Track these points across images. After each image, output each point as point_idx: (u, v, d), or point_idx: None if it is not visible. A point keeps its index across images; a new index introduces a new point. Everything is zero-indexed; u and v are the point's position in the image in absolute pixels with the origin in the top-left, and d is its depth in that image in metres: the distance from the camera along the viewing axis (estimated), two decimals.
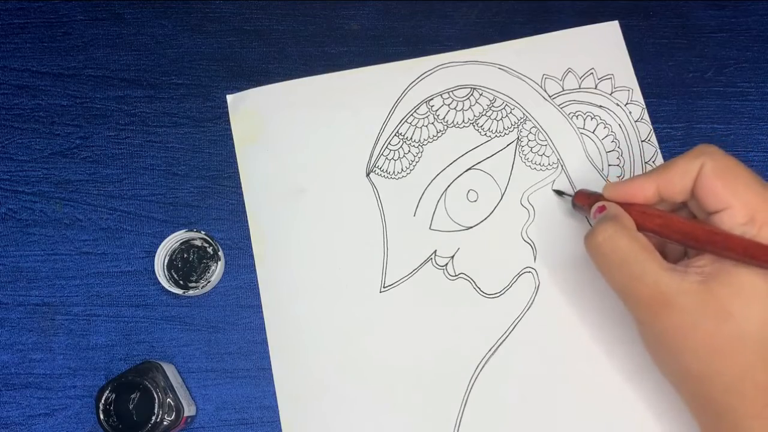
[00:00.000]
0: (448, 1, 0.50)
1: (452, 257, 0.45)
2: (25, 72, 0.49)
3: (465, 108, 0.47)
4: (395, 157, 0.46)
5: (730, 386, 0.32)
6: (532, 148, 0.46)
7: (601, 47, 0.48)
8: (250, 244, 0.45)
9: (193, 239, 0.45)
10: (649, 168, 0.46)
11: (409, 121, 0.47)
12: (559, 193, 0.45)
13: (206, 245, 0.45)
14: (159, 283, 0.44)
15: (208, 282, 0.44)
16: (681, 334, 0.32)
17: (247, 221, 0.46)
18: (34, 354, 0.44)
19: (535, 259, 0.45)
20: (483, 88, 0.47)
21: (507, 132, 0.46)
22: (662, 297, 0.32)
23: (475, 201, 0.45)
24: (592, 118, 0.47)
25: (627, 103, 0.47)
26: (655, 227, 0.35)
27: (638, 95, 0.47)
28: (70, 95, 0.48)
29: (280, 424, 0.43)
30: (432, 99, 0.47)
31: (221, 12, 0.50)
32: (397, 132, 0.47)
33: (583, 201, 0.40)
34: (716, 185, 0.33)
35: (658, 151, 0.46)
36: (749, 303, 0.31)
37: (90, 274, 0.45)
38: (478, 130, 0.47)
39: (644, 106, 0.47)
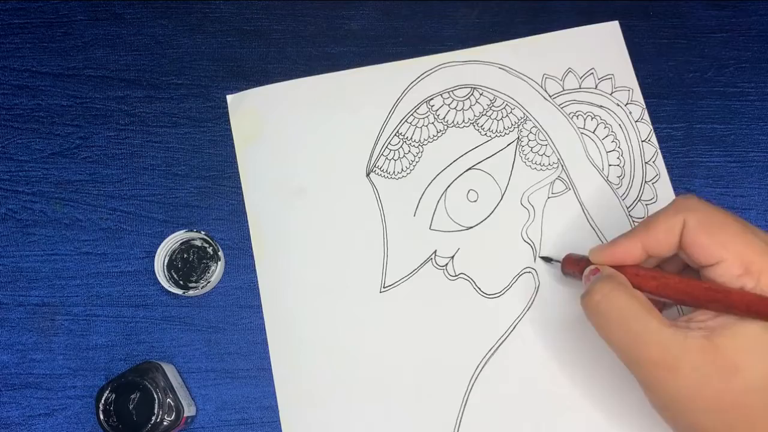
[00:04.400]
0: (448, 1, 0.50)
1: (452, 257, 0.45)
2: (25, 72, 0.49)
3: (465, 108, 0.47)
4: (395, 157, 0.46)
5: None
6: (532, 148, 0.46)
7: (601, 47, 0.48)
8: (250, 244, 0.45)
9: (193, 239, 0.45)
10: (649, 168, 0.46)
11: (410, 120, 0.47)
12: (547, 259, 0.44)
13: (206, 245, 0.45)
14: (159, 284, 0.44)
15: (208, 282, 0.44)
16: (690, 395, 0.31)
17: (247, 221, 0.46)
18: (34, 354, 0.44)
19: (535, 259, 0.45)
20: (483, 88, 0.47)
21: (507, 132, 0.46)
22: (667, 357, 0.31)
23: (475, 201, 0.45)
24: (592, 118, 0.47)
25: (627, 103, 0.47)
26: (652, 289, 0.34)
27: (638, 95, 0.47)
28: (70, 95, 0.48)
29: (280, 424, 0.42)
30: (432, 99, 0.47)
31: (221, 12, 0.50)
32: (398, 132, 0.47)
33: (572, 267, 0.40)
34: (703, 241, 0.32)
35: (658, 151, 0.46)
36: (755, 355, 0.31)
37: (90, 275, 0.45)
38: (478, 129, 0.47)
39: (644, 106, 0.47)
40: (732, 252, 0.32)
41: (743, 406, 0.31)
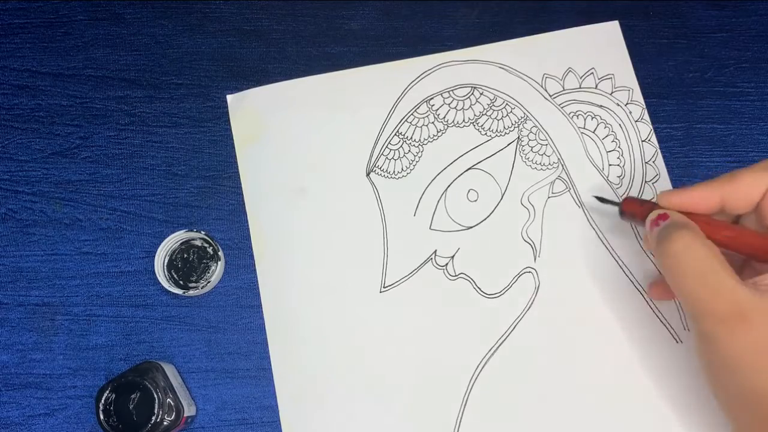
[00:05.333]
0: (448, 1, 0.50)
1: (452, 257, 0.45)
2: (25, 72, 0.49)
3: (465, 107, 0.47)
4: (395, 157, 0.46)
5: None
6: (532, 147, 0.46)
7: (601, 47, 0.48)
8: (250, 244, 0.45)
9: (193, 239, 0.45)
10: (649, 168, 0.46)
11: (410, 120, 0.47)
12: (602, 200, 0.42)
13: (206, 245, 0.45)
14: (159, 283, 0.44)
15: (208, 282, 0.44)
16: (754, 351, 0.31)
17: (247, 221, 0.46)
18: (34, 354, 0.44)
19: (535, 259, 0.44)
20: (483, 88, 0.47)
21: (507, 131, 0.46)
22: (740, 312, 0.31)
23: (476, 201, 0.45)
24: (592, 118, 0.47)
25: (627, 103, 0.47)
26: (724, 240, 0.34)
27: (638, 95, 0.47)
28: (70, 95, 0.48)
29: (280, 424, 0.42)
30: (432, 98, 0.47)
31: (221, 12, 0.50)
32: (398, 131, 0.47)
33: (634, 209, 0.38)
34: None
35: (658, 151, 0.46)
36: None
37: (90, 274, 0.45)
38: (478, 129, 0.47)
39: (644, 106, 0.47)
40: None
41: None
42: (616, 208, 0.40)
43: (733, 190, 0.34)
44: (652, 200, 0.38)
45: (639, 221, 0.38)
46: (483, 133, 0.46)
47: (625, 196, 0.40)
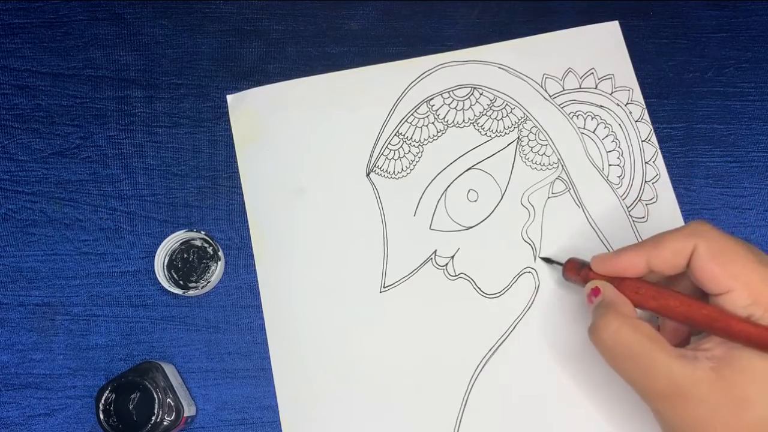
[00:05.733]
0: (448, 1, 0.50)
1: (452, 257, 0.45)
2: (25, 72, 0.49)
3: (465, 107, 0.47)
4: (395, 157, 0.46)
5: None
6: (532, 147, 0.46)
7: (601, 47, 0.48)
8: (250, 244, 0.45)
9: (193, 239, 0.45)
10: (649, 168, 0.46)
11: (410, 120, 0.47)
12: (548, 261, 0.44)
13: (206, 245, 0.45)
14: (159, 283, 0.44)
15: (208, 282, 0.44)
16: (701, 425, 0.31)
17: (247, 221, 0.46)
18: (34, 354, 0.44)
19: (535, 259, 0.44)
20: (483, 88, 0.47)
21: (507, 132, 0.46)
22: (677, 389, 0.31)
23: (476, 201, 0.45)
24: (592, 118, 0.47)
25: (627, 103, 0.47)
26: (652, 308, 0.35)
27: (638, 95, 0.47)
28: (70, 95, 0.48)
29: (280, 424, 0.42)
30: (432, 98, 0.47)
31: (221, 12, 0.50)
32: (398, 132, 0.47)
33: (573, 274, 0.40)
34: (713, 269, 0.32)
35: (658, 151, 0.46)
36: (765, 387, 0.31)
37: (90, 274, 0.45)
38: (478, 129, 0.47)
39: (644, 106, 0.47)
40: (741, 282, 0.32)
41: None
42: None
43: (657, 256, 0.35)
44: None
45: (580, 284, 0.39)
46: (483, 133, 0.46)
47: (568, 258, 0.41)
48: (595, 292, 0.36)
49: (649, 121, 0.47)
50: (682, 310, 0.33)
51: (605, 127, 0.47)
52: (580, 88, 0.47)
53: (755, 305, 0.32)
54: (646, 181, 0.46)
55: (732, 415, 0.31)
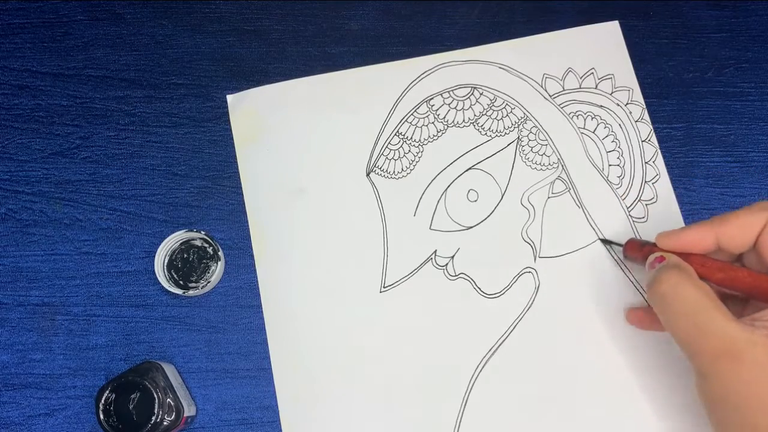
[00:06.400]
0: (448, 1, 0.50)
1: (452, 257, 0.45)
2: (25, 72, 0.49)
3: (465, 107, 0.47)
4: (395, 157, 0.46)
5: None
6: (532, 147, 0.46)
7: (601, 47, 0.48)
8: (250, 244, 0.45)
9: (193, 239, 0.45)
10: (649, 168, 0.46)
11: (410, 120, 0.47)
12: (608, 242, 0.44)
13: (206, 245, 0.45)
14: (159, 283, 0.44)
15: (208, 282, 0.44)
16: (751, 388, 0.31)
17: (247, 221, 0.46)
18: (34, 354, 0.44)
19: (535, 259, 0.44)
20: (483, 88, 0.47)
21: (507, 131, 0.46)
22: (732, 349, 0.31)
23: (476, 201, 0.45)
24: (592, 118, 0.47)
25: (627, 103, 0.47)
26: (718, 280, 0.34)
27: (638, 95, 0.47)
28: (70, 95, 0.48)
29: (280, 424, 0.42)
30: (432, 98, 0.47)
31: (221, 12, 0.50)
32: (398, 131, 0.47)
33: (635, 252, 0.39)
34: None
35: (658, 151, 0.46)
36: None
37: (90, 274, 0.45)
38: (478, 129, 0.47)
39: (644, 106, 0.47)
40: None
41: None
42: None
43: (726, 230, 0.35)
44: (653, 242, 0.38)
45: (640, 262, 0.38)
46: (483, 133, 0.46)
47: (628, 238, 0.41)
48: (660, 259, 0.36)
49: (649, 121, 0.47)
50: (749, 281, 0.34)
51: (605, 127, 0.47)
52: (580, 88, 0.47)
53: None
54: (646, 181, 0.46)
55: None
